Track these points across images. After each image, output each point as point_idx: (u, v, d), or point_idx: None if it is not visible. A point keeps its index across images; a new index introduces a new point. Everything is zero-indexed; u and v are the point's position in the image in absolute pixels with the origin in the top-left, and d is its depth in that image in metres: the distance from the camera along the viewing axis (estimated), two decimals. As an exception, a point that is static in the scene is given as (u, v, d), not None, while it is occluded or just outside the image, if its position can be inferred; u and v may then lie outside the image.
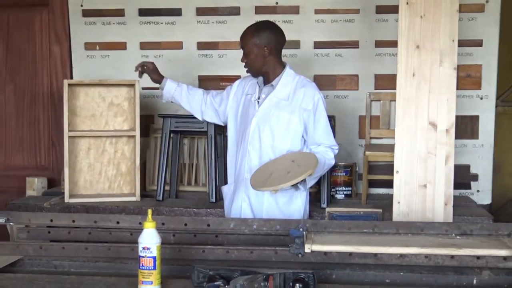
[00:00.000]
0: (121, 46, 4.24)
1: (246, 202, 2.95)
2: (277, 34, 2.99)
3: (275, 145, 2.93)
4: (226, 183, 3.19)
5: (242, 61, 3.00)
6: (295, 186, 2.79)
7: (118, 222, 2.42)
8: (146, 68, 3.25)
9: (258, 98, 2.98)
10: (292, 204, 2.94)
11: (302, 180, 2.75)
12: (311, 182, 2.92)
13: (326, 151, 2.92)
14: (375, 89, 4.05)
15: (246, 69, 3.01)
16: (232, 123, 3.10)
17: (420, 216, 2.88)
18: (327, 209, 3.04)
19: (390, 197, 3.03)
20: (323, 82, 4.06)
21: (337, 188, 3.80)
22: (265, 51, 2.93)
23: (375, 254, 2.09)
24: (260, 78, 3.03)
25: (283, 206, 2.92)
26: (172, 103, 3.32)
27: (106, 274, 2.13)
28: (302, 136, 2.96)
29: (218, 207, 3.45)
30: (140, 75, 3.26)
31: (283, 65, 3.01)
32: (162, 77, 3.25)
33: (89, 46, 4.26)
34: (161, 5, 4.20)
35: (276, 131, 2.93)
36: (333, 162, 2.97)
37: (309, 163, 2.74)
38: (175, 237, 2.39)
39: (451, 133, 2.90)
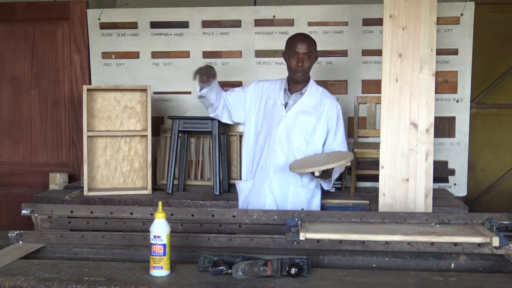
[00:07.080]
0: (135, 55, 4.23)
1: (270, 198, 2.85)
2: None
3: (301, 148, 2.85)
4: (230, 179, 3.10)
5: (302, 63, 2.81)
6: (324, 178, 2.73)
7: (131, 213, 2.42)
8: (208, 78, 2.82)
9: (286, 103, 2.90)
10: (312, 202, 2.90)
11: (328, 178, 2.74)
12: (334, 177, 2.84)
13: None
14: (362, 93, 4.04)
15: (299, 73, 2.83)
16: (253, 124, 2.95)
17: (403, 207, 2.86)
18: (320, 201, 3.03)
19: (376, 190, 3.01)
20: (316, 87, 4.05)
21: (328, 182, 3.78)
22: (315, 60, 2.91)
23: (363, 241, 2.08)
24: (285, 85, 2.92)
25: (305, 203, 2.85)
26: (201, 98, 2.91)
27: (121, 260, 2.13)
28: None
29: (222, 199, 3.43)
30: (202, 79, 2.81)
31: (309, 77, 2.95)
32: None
33: (106, 55, 4.25)
34: (170, 18, 4.19)
35: (303, 135, 2.85)
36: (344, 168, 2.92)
37: (345, 156, 2.72)
38: (183, 226, 2.38)
39: (430, 132, 2.88)
